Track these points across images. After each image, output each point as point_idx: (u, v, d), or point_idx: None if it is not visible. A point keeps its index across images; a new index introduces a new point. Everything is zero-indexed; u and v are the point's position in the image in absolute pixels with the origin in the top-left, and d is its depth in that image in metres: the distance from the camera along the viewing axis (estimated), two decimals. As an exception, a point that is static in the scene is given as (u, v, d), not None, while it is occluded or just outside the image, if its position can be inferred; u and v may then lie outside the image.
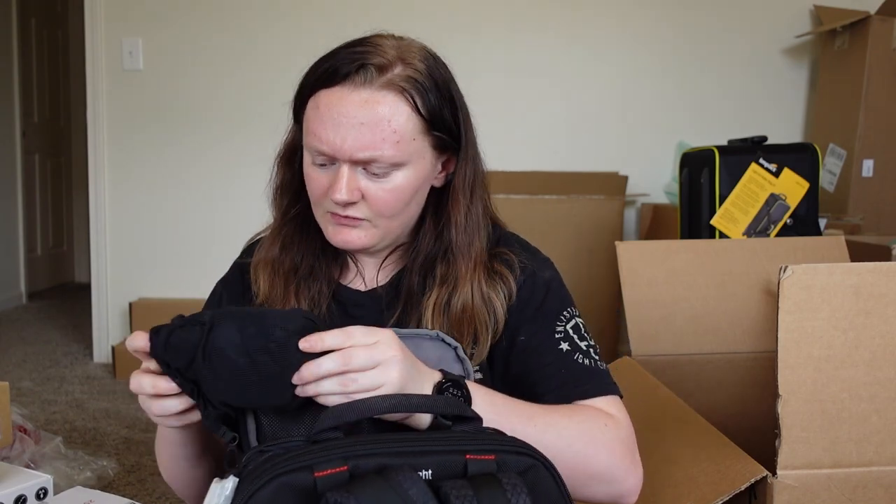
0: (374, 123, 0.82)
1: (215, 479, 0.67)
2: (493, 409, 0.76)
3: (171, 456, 0.90)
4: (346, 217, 0.87)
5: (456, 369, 0.82)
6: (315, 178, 0.88)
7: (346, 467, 0.62)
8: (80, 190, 5.15)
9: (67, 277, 5.43)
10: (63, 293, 5.04)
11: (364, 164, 0.85)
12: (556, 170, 3.11)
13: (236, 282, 1.01)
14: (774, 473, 0.98)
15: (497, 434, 0.69)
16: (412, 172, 0.87)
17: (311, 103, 0.86)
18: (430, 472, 0.63)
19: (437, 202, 0.94)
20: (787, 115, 3.19)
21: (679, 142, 2.97)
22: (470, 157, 0.92)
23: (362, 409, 0.67)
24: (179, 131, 3.25)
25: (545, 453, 0.70)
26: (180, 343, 0.69)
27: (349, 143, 0.83)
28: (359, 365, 0.69)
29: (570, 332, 0.90)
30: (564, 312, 0.92)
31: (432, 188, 0.93)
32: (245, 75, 3.20)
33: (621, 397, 0.89)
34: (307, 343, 0.69)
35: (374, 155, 0.83)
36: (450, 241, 0.91)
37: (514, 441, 0.68)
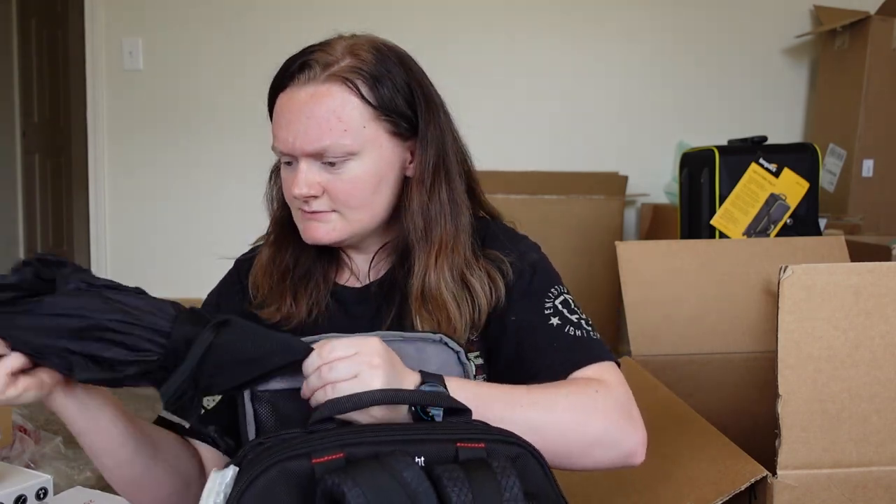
0: (320, 116, 0.85)
1: (214, 469, 0.68)
2: (475, 399, 0.75)
3: (118, 463, 0.85)
4: (313, 213, 0.90)
5: (456, 373, 0.83)
6: (284, 178, 0.92)
7: (342, 454, 0.64)
8: (80, 190, 5.15)
9: (67, 277, 5.43)
10: (63, 293, 5.04)
11: (318, 157, 0.87)
12: (555, 170, 3.11)
13: (233, 282, 1.01)
14: (774, 473, 0.98)
15: (485, 425, 0.71)
16: (369, 161, 0.88)
17: (274, 108, 0.90)
18: (422, 459, 0.64)
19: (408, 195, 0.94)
20: (787, 115, 3.19)
21: (679, 142, 2.97)
22: (431, 142, 0.91)
23: (356, 402, 0.69)
24: (180, 131, 3.25)
25: (536, 432, 0.73)
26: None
27: (300, 137, 0.86)
28: (336, 377, 0.72)
29: (560, 306, 0.90)
30: (552, 290, 0.92)
31: (407, 178, 0.93)
32: (245, 75, 3.19)
33: (618, 364, 0.89)
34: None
35: (324, 146, 0.86)
36: (408, 228, 0.91)
37: (503, 431, 0.69)
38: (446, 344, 0.83)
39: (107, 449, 0.82)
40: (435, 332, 0.84)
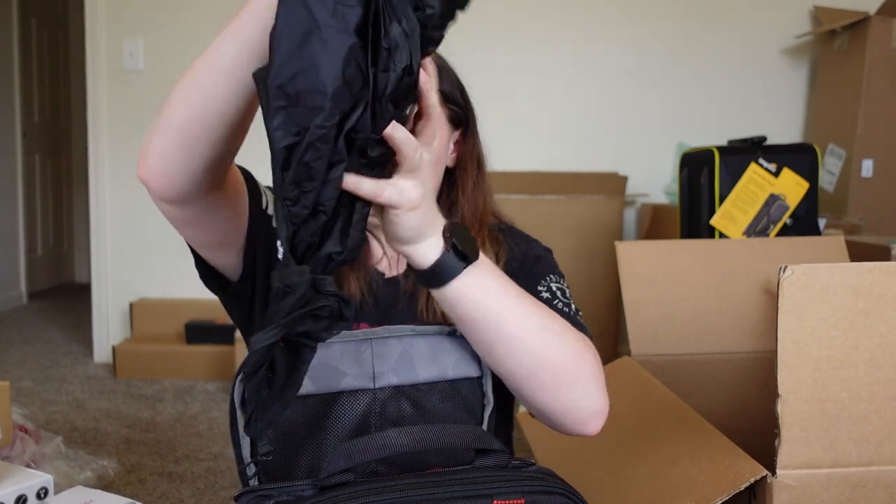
0: None
1: None
2: (495, 296, 0.72)
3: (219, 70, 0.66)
4: None
5: (473, 367, 0.82)
6: None
7: None
8: (81, 190, 5.16)
9: (68, 277, 5.44)
10: (63, 293, 5.05)
11: None
12: (555, 170, 3.11)
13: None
14: (774, 473, 0.98)
15: (524, 465, 0.65)
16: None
17: None
18: None
19: (450, 184, 0.97)
20: (786, 116, 3.19)
21: (679, 142, 2.97)
22: (475, 133, 0.98)
23: (376, 448, 0.61)
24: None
25: (534, 353, 0.72)
26: None
27: None
28: (387, 201, 0.64)
29: (554, 289, 0.91)
30: (550, 276, 0.93)
31: (446, 170, 0.96)
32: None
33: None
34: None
35: None
36: (462, 213, 0.95)
37: (545, 479, 0.65)
38: (462, 336, 0.81)
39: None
40: (446, 325, 0.83)
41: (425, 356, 0.80)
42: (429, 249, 0.68)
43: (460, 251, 0.69)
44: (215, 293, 0.90)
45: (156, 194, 0.72)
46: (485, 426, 0.83)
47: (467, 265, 0.69)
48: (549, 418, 0.78)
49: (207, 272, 0.87)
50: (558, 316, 0.79)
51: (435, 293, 0.71)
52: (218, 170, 0.73)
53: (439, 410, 0.82)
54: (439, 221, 0.70)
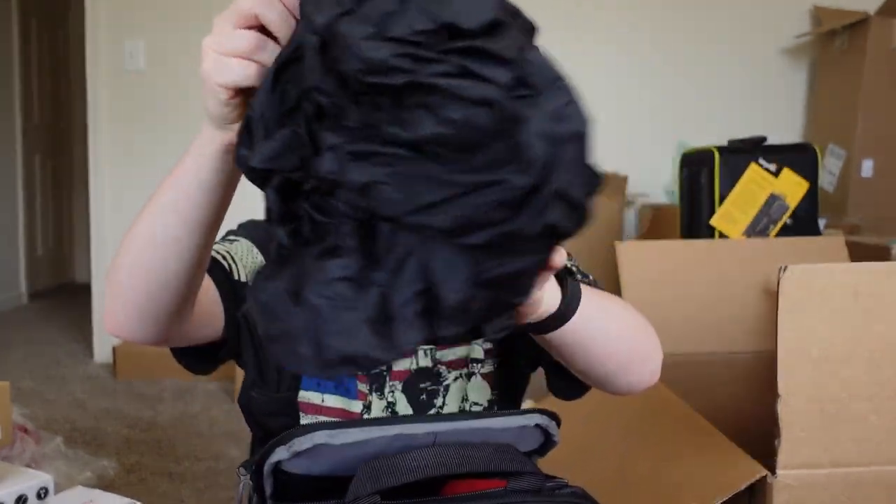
0: None
1: None
2: (595, 310, 0.69)
3: (166, 225, 0.61)
4: None
5: (535, 437, 0.73)
6: None
7: None
8: (81, 190, 5.16)
9: (68, 277, 5.44)
10: (64, 293, 5.05)
11: None
12: (556, 170, 3.11)
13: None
14: (774, 473, 0.98)
15: (557, 488, 0.61)
16: None
17: None
18: None
19: None
20: (786, 116, 3.19)
21: (679, 142, 2.97)
22: None
23: (405, 472, 0.58)
24: (180, 132, 3.25)
25: (618, 341, 0.69)
26: None
27: None
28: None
29: (576, 268, 0.85)
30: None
31: None
32: (245, 76, 3.20)
33: None
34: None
35: None
36: None
37: (580, 503, 0.62)
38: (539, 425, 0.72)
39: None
40: (533, 412, 0.74)
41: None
42: (550, 300, 0.63)
43: (567, 282, 0.64)
44: (208, 370, 0.82)
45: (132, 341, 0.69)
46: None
47: (580, 292, 0.65)
48: (622, 388, 0.76)
49: (196, 355, 0.79)
50: (609, 293, 0.77)
51: (549, 335, 0.65)
52: (188, 303, 0.68)
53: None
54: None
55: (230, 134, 0.56)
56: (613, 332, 0.71)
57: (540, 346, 0.74)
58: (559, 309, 0.63)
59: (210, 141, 0.58)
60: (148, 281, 0.62)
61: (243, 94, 0.52)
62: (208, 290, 0.75)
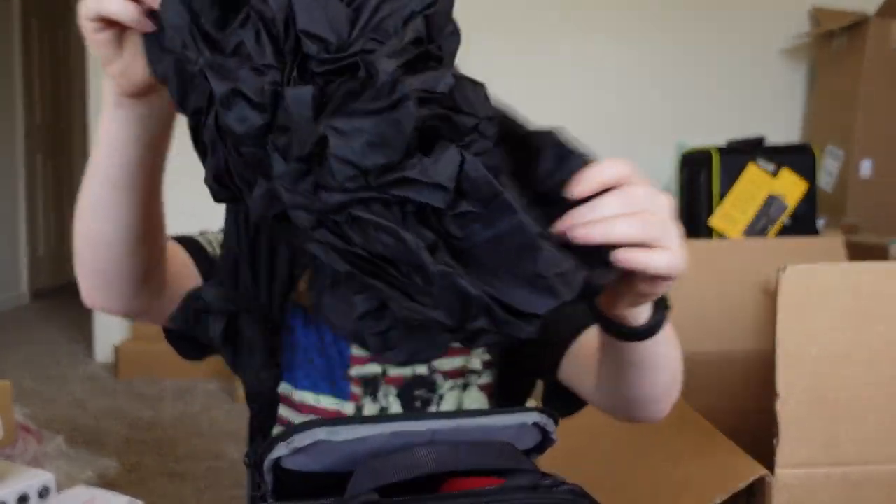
0: None
1: None
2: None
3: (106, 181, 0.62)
4: None
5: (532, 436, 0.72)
6: None
7: None
8: (81, 190, 5.16)
9: (70, 277, 5.44)
10: (65, 293, 5.05)
11: None
12: (556, 170, 3.11)
13: None
14: (773, 472, 0.99)
15: (554, 485, 0.61)
16: None
17: None
18: None
19: None
20: (785, 116, 3.20)
21: (678, 142, 2.97)
22: None
23: (404, 469, 0.57)
24: (180, 132, 3.25)
25: (666, 371, 0.66)
26: None
27: None
28: (643, 207, 0.51)
29: None
30: None
31: None
32: (246, 76, 3.20)
33: None
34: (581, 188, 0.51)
35: None
36: None
37: (576, 500, 0.61)
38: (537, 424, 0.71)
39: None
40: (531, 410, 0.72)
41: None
42: (650, 308, 0.61)
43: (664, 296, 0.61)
44: (200, 356, 0.82)
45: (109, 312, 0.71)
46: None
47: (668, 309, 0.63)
48: (651, 414, 0.73)
49: (188, 339, 0.79)
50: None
51: (632, 345, 0.63)
52: (150, 271, 0.69)
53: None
54: None
55: (116, 82, 0.57)
56: (672, 357, 0.69)
57: (541, 361, 0.76)
58: (655, 318, 0.62)
59: (108, 95, 0.59)
60: (95, 247, 0.65)
61: (116, 28, 0.53)
62: (187, 265, 0.76)
